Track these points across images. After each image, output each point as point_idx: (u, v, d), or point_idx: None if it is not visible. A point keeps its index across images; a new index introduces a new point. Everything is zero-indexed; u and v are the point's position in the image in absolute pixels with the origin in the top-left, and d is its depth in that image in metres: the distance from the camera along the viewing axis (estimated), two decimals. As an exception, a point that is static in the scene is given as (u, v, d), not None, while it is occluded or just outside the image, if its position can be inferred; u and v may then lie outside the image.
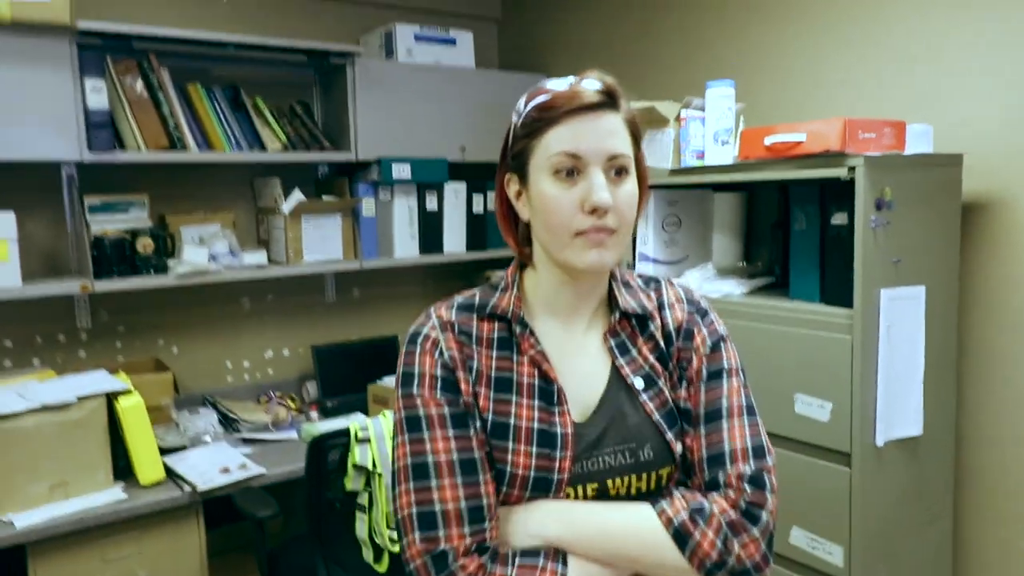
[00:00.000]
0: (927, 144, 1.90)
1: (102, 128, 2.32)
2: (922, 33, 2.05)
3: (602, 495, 0.97)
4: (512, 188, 1.01)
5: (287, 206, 2.69)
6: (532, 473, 0.94)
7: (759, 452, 0.96)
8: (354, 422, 2.01)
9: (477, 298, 1.03)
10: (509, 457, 0.94)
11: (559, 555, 0.92)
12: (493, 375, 0.97)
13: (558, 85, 0.96)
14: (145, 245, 2.43)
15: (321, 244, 2.81)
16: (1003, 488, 1.96)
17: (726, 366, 1.01)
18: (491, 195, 3.19)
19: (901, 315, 1.76)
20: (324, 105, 3.01)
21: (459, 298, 1.04)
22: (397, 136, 2.91)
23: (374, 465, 1.97)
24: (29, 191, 2.48)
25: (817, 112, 2.25)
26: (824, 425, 1.78)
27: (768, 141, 1.85)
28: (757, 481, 0.94)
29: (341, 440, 1.99)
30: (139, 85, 2.44)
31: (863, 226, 1.69)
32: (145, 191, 2.57)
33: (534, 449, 0.94)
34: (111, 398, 2.17)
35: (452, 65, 3.08)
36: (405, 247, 2.99)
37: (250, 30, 2.82)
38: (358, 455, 1.97)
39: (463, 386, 0.96)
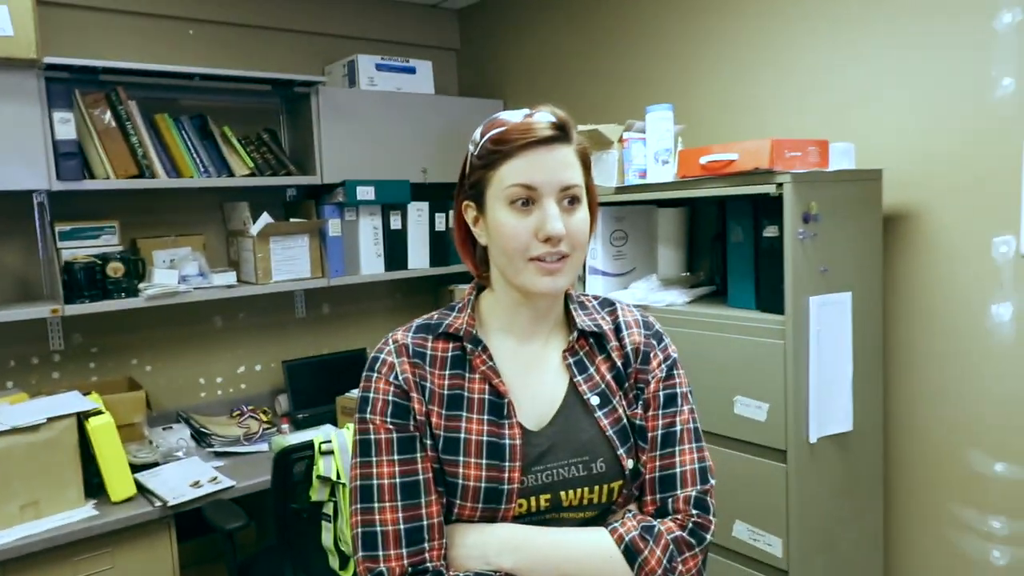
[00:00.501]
0: (849, 161, 1.93)
1: (70, 157, 2.27)
2: (843, 58, 2.09)
3: (555, 506, 0.97)
4: (470, 214, 1.02)
5: (255, 228, 2.65)
6: (483, 484, 0.93)
7: (704, 476, 1.00)
8: (318, 435, 1.97)
9: (434, 319, 1.03)
10: (460, 470, 0.94)
11: None
12: (445, 393, 0.97)
13: (512, 117, 0.96)
14: (115, 269, 2.38)
15: (289, 264, 2.77)
16: (928, 479, 1.99)
17: (679, 391, 1.04)
18: (452, 214, 3.17)
19: (829, 320, 1.79)
20: (290, 131, 2.99)
21: (418, 320, 1.04)
22: (361, 160, 2.89)
23: (338, 476, 1.94)
24: (1, 219, 2.43)
25: (748, 133, 2.29)
26: (761, 424, 1.79)
27: (704, 160, 1.87)
28: (702, 504, 0.98)
29: (307, 452, 1.95)
30: (107, 116, 2.40)
31: (792, 238, 1.71)
32: (116, 217, 2.51)
33: (484, 461, 0.94)
34: (82, 418, 2.12)
35: (413, 92, 3.07)
36: (371, 264, 2.97)
37: (217, 61, 2.79)
38: (322, 467, 1.94)
39: (416, 406, 0.95)
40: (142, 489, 2.20)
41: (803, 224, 1.72)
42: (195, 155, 2.58)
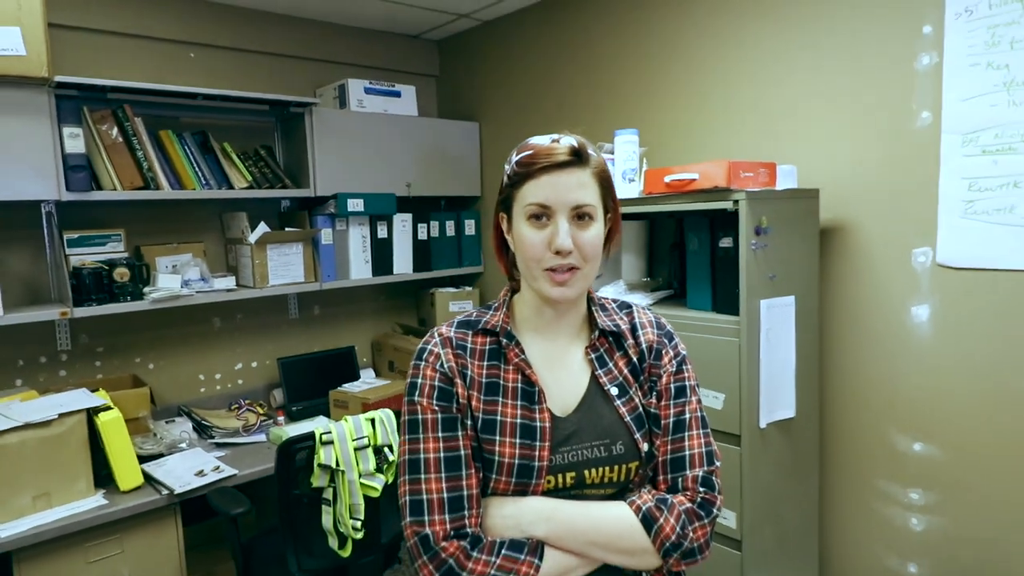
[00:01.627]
0: (792, 180, 1.96)
1: (79, 170, 2.15)
2: (786, 90, 2.12)
3: (579, 483, 0.98)
4: (504, 225, 1.05)
5: (253, 237, 2.56)
6: (516, 461, 0.95)
7: (710, 458, 1.01)
8: (318, 426, 1.91)
9: (474, 316, 1.06)
10: (496, 448, 0.96)
11: (538, 549, 0.93)
12: (484, 381, 0.99)
13: (540, 142, 0.98)
14: (121, 274, 2.27)
15: (284, 269, 2.69)
16: (857, 457, 2.03)
17: (688, 384, 1.05)
18: (434, 224, 3.14)
19: (777, 321, 1.81)
20: (285, 148, 2.90)
21: (460, 318, 1.07)
22: (351, 174, 2.82)
23: (337, 464, 1.88)
24: (12, 228, 2.30)
25: (703, 154, 2.31)
26: (719, 412, 1.80)
27: (667, 179, 1.88)
28: (708, 483, 1.00)
29: (307, 443, 1.89)
30: (115, 131, 2.29)
31: (746, 248, 1.73)
32: (121, 226, 2.40)
33: (517, 440, 0.96)
34: (91, 413, 2.01)
35: (398, 113, 3.02)
36: (359, 270, 2.90)
37: (216, 82, 2.69)
38: (323, 456, 1.88)
39: (459, 391, 0.98)
40: (149, 479, 2.10)
41: (755, 236, 1.74)
42: (197, 169, 2.48)
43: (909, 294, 1.89)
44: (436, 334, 1.03)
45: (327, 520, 1.92)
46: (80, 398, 2.05)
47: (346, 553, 1.93)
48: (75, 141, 2.15)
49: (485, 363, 1.01)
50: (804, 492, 1.98)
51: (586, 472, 0.97)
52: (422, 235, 3.10)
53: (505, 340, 1.01)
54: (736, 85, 2.25)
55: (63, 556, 1.88)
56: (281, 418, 2.67)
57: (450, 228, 3.22)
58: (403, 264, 3.04)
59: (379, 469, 1.94)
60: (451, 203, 3.37)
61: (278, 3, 2.78)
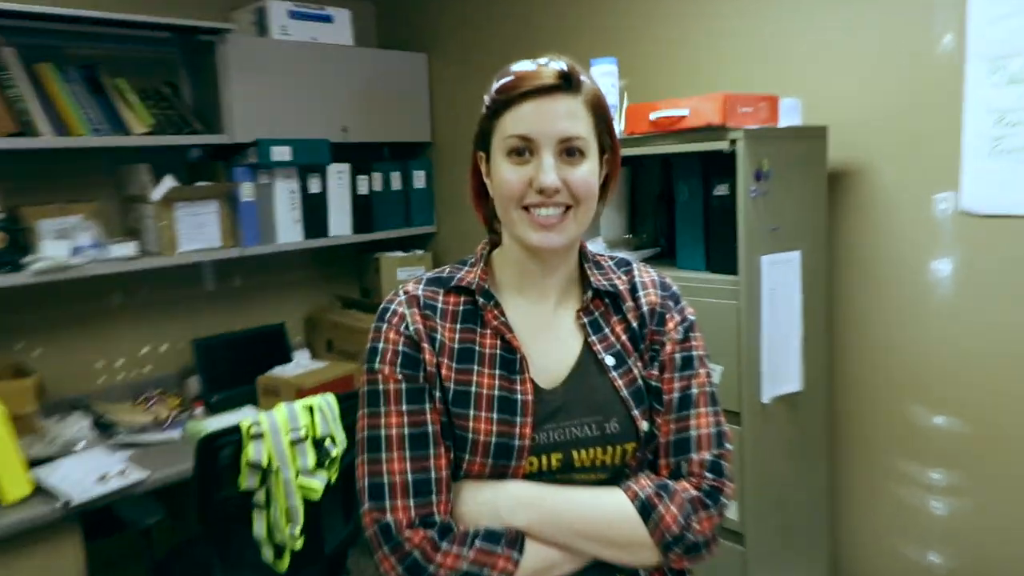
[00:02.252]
0: (796, 117, 1.97)
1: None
2: (788, 13, 2.12)
3: (567, 466, 0.97)
4: (483, 167, 1.03)
5: (158, 193, 2.48)
6: (493, 439, 0.94)
7: (720, 440, 1.00)
8: (246, 418, 1.88)
9: (446, 272, 1.05)
10: (470, 424, 0.94)
11: (518, 541, 0.92)
12: (456, 347, 0.98)
13: (521, 67, 0.97)
14: (-3, 240, 2.18)
15: (197, 232, 2.61)
16: (872, 434, 2.09)
17: (695, 354, 1.04)
18: (376, 176, 3.09)
19: (780, 280, 1.83)
20: (194, 86, 2.80)
21: (429, 273, 1.06)
22: (275, 117, 2.74)
23: (269, 461, 1.86)
24: None
25: (696, 88, 2.29)
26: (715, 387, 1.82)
27: (653, 116, 1.87)
28: (717, 468, 0.99)
29: (232, 438, 1.86)
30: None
31: (744, 196, 1.73)
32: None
33: (495, 415, 0.95)
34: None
35: (329, 42, 2.93)
36: (288, 232, 2.84)
37: (109, 5, 2.56)
38: (252, 452, 1.85)
39: (427, 357, 0.97)
40: (39, 488, 2.03)
41: (755, 182, 1.75)
42: (85, 111, 2.38)
43: (929, 247, 1.93)
44: (401, 292, 1.02)
45: (259, 527, 1.90)
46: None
47: (283, 566, 1.91)
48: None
49: (458, 326, 1.00)
50: (812, 475, 2.03)
51: (575, 453, 0.97)
52: (362, 189, 3.04)
53: (482, 299, 1.00)
54: (731, 4, 2.23)
55: None
56: (199, 410, 2.61)
57: (396, 181, 3.17)
58: (340, 224, 2.99)
59: (320, 465, 1.93)
60: (396, 151, 3.31)
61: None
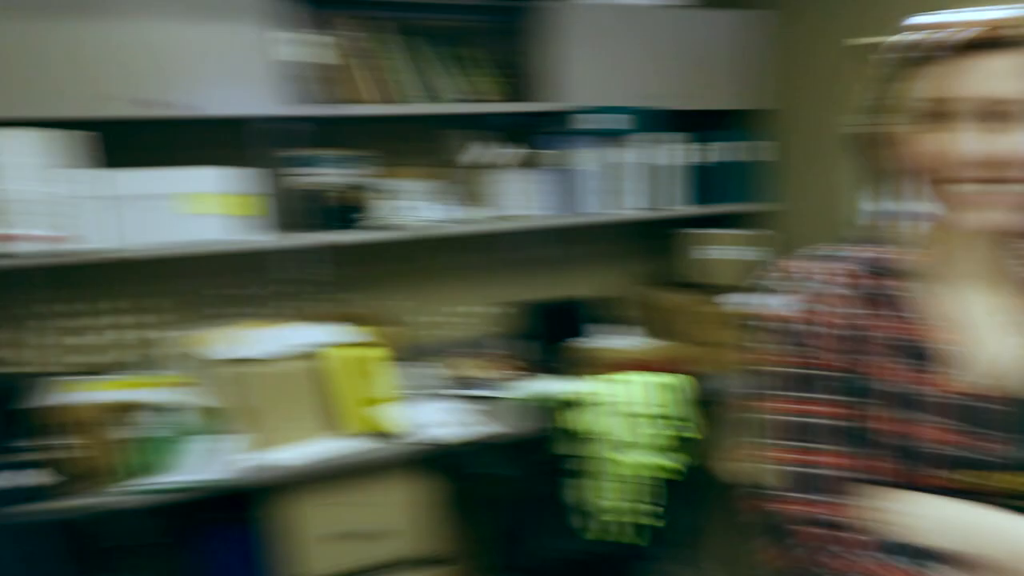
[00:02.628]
0: None
1: (302, 82, 2.16)
2: None
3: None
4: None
5: (497, 160, 2.43)
6: (952, 451, 0.81)
7: None
8: (573, 386, 1.73)
9: (871, 252, 0.91)
10: (919, 430, 0.82)
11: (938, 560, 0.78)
12: (892, 339, 0.86)
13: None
14: (354, 198, 2.28)
15: (534, 199, 2.53)
16: None
17: None
18: (713, 147, 2.76)
19: None
20: (529, 54, 2.70)
21: (847, 250, 0.92)
22: (609, 83, 2.55)
23: (603, 433, 1.67)
24: (237, 147, 2.32)
25: None
26: None
27: None
28: None
29: (571, 406, 1.71)
30: (349, 39, 2.27)
31: None
32: (360, 146, 2.40)
33: (955, 423, 0.81)
34: (339, 348, 2.04)
35: (659, 3, 2.65)
36: (628, 200, 2.64)
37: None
38: (575, 419, 1.69)
39: (855, 346, 0.86)
40: (395, 424, 2.09)
41: None
42: (431, 80, 2.40)
43: None
44: (822, 269, 0.90)
45: (572, 494, 1.74)
46: (326, 333, 2.10)
47: (590, 535, 1.73)
48: (304, 48, 2.15)
49: (892, 313, 0.86)
50: None
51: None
52: (697, 160, 2.74)
53: (919, 285, 0.87)
54: None
55: (320, 489, 1.95)
56: (530, 373, 2.54)
57: (733, 153, 2.80)
58: (677, 195, 2.72)
59: (654, 444, 1.70)
60: (732, 120, 2.94)
61: None
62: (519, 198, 2.51)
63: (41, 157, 1.86)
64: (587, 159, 2.56)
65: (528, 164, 2.48)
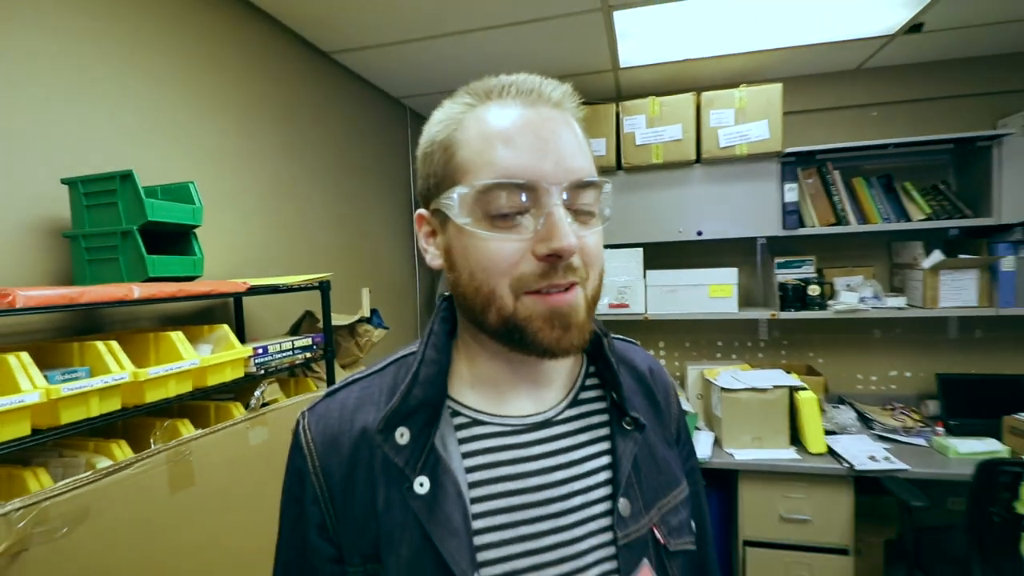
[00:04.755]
0: None
1: (792, 214, 2.37)
2: None
3: None
4: None
5: (928, 263, 2.29)
6: None
7: None
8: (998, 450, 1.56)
9: None
10: None
11: None
12: None
13: None
14: (813, 290, 2.39)
15: (955, 293, 2.30)
16: None
17: None
18: None
19: None
20: (960, 180, 2.48)
21: None
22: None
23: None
24: (743, 254, 2.69)
25: None
26: None
27: None
28: None
29: (1014, 467, 1.57)
30: (817, 183, 2.42)
31: None
32: (813, 253, 2.53)
33: None
34: (792, 389, 2.20)
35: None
36: (1047, 299, 2.22)
37: (896, 132, 2.51)
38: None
39: None
40: (830, 449, 2.15)
41: None
42: (880, 205, 2.38)
43: None
44: None
45: None
46: (784, 377, 2.27)
47: None
48: (791, 193, 2.38)
49: None
50: None
51: None
52: None
53: None
54: None
55: (766, 484, 2.12)
56: (940, 429, 2.31)
57: None
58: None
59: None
60: None
61: (944, 49, 2.37)
62: (939, 292, 2.32)
63: (631, 263, 2.49)
64: (1009, 263, 2.23)
65: (954, 266, 2.28)
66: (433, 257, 0.54)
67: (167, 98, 1.44)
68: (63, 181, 1.14)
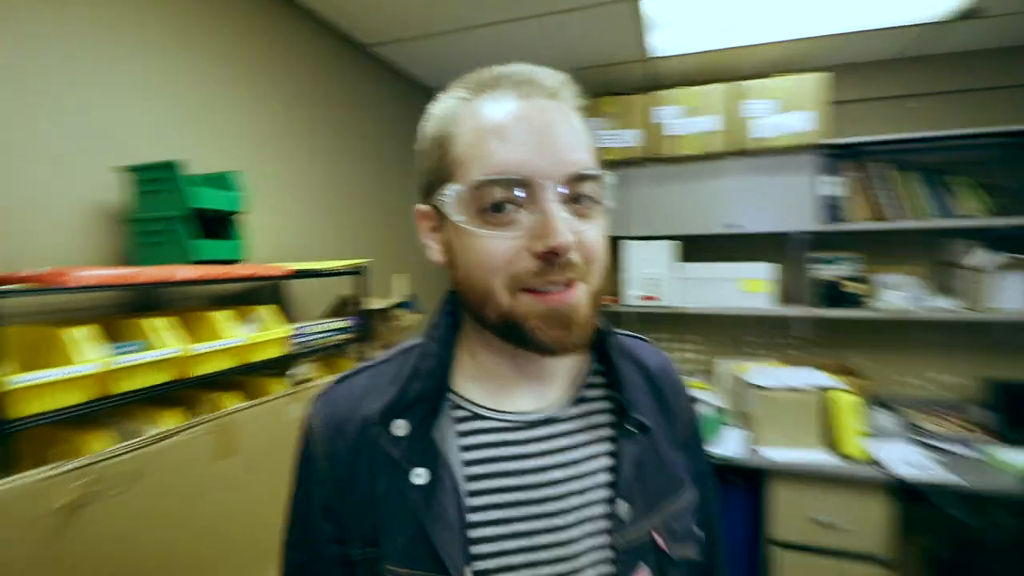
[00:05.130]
0: None
1: (830, 208, 2.18)
2: None
3: None
4: None
5: (980, 262, 2.06)
6: None
7: None
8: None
9: None
10: None
11: None
12: None
13: None
14: (849, 286, 2.19)
15: (1004, 293, 2.07)
16: None
17: None
18: None
19: None
20: (1010, 176, 2.22)
21: None
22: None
23: None
24: (779, 249, 2.47)
25: None
26: None
27: None
28: None
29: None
30: (859, 176, 2.22)
31: None
32: (853, 249, 2.32)
33: None
34: (829, 390, 2.01)
35: None
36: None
37: (939, 124, 2.28)
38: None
39: None
40: (866, 453, 1.95)
41: None
42: (926, 201, 2.17)
43: None
44: None
45: None
46: (822, 377, 2.08)
47: None
48: (830, 187, 2.18)
49: None
50: None
51: None
52: None
53: None
54: None
55: (800, 485, 1.94)
56: (989, 440, 2.07)
57: None
58: None
59: None
60: None
61: (998, 37, 2.13)
62: (992, 293, 2.08)
63: (660, 255, 2.35)
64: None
65: (1003, 267, 2.05)
66: (434, 253, 0.52)
67: (218, 95, 1.47)
68: (126, 168, 1.18)
